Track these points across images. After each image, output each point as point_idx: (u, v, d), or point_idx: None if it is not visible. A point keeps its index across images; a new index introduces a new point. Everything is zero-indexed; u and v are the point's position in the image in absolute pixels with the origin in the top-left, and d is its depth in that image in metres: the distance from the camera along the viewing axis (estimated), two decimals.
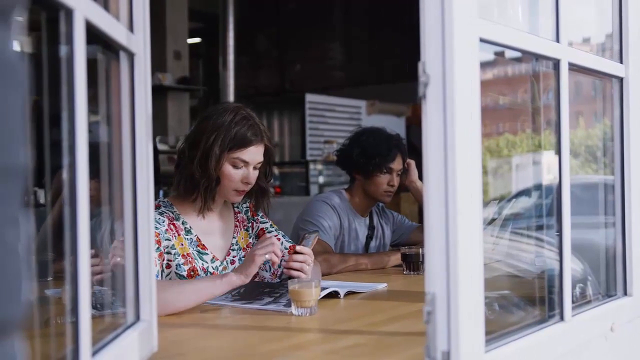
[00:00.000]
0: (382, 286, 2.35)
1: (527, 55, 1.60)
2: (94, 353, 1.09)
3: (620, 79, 1.80)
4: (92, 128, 1.09)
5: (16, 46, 0.60)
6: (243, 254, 2.35)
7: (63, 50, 1.02)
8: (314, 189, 7.36)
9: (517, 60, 1.72)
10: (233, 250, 2.34)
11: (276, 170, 7.76)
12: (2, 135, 0.56)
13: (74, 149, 1.01)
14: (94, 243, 1.08)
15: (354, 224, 3.07)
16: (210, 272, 2.23)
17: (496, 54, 1.46)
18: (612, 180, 1.88)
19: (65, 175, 1.01)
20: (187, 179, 2.21)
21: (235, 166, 2.20)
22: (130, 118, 1.36)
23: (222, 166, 2.19)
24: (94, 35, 1.12)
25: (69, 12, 1.00)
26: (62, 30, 1.01)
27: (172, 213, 2.22)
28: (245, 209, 2.43)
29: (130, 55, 1.35)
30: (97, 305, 1.36)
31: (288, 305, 1.91)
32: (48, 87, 1.04)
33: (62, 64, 1.02)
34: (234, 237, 2.36)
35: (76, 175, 1.01)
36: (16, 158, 0.57)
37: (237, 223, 2.39)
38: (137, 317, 1.37)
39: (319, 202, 3.02)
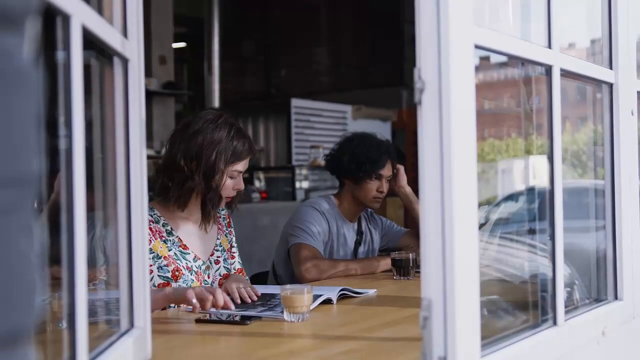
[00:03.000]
0: (372, 292, 2.35)
1: (515, 60, 1.61)
2: None
3: (610, 85, 1.82)
4: (85, 133, 1.09)
5: (29, 53, 0.59)
6: (226, 255, 2.44)
7: (60, 55, 1.01)
8: (300, 194, 7.35)
9: (503, 65, 1.73)
10: (217, 250, 2.41)
11: (262, 175, 7.74)
12: (15, 143, 0.56)
13: (70, 154, 1.00)
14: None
15: (343, 229, 3.07)
16: (195, 271, 2.29)
17: (481, 58, 1.47)
18: (598, 185, 1.90)
19: (62, 181, 1.00)
20: (187, 192, 2.26)
21: (232, 177, 2.30)
22: (124, 124, 1.35)
23: (226, 181, 2.27)
24: (89, 41, 1.11)
25: (66, 18, 0.99)
26: (59, 35, 1.00)
27: (152, 216, 2.24)
28: (223, 216, 2.50)
29: (125, 61, 1.34)
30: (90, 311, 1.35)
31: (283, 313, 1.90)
32: (44, 93, 1.03)
33: (59, 70, 1.01)
34: (217, 239, 2.43)
35: (73, 181, 1.00)
36: (29, 166, 0.57)
37: (220, 226, 2.46)
38: (131, 324, 1.36)
39: (308, 207, 3.02)
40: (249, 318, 1.88)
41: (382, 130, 7.47)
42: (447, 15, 1.15)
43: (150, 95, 7.43)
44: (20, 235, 0.56)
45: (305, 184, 7.52)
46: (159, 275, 2.20)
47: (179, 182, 2.24)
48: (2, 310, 0.54)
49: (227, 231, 2.50)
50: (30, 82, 0.58)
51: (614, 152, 1.82)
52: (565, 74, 1.59)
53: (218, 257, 2.41)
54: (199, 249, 2.34)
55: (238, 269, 2.48)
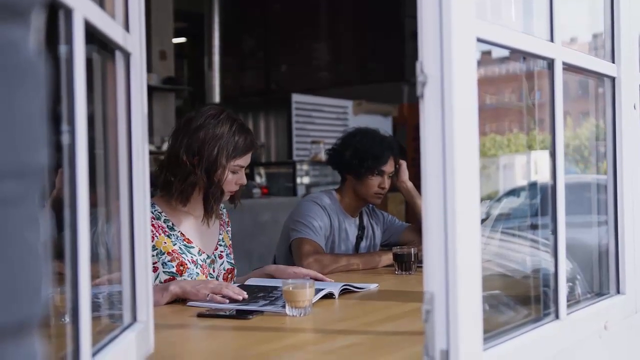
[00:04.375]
0: (374, 286, 2.35)
1: (517, 55, 1.60)
2: (94, 354, 1.08)
3: (613, 79, 1.81)
4: (87, 129, 1.09)
5: (35, 45, 0.59)
6: (228, 251, 2.46)
7: (62, 49, 1.01)
8: (301, 190, 7.35)
9: (505, 59, 1.73)
10: (220, 245, 2.43)
11: (262, 171, 7.74)
12: (22, 135, 0.56)
13: (73, 149, 1.00)
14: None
15: (344, 224, 3.07)
16: (200, 265, 2.30)
17: (483, 53, 1.46)
18: (600, 180, 1.90)
19: (65, 175, 1.00)
20: (189, 187, 2.27)
21: (233, 172, 2.31)
22: (126, 118, 1.35)
23: (227, 175, 2.28)
24: (91, 35, 1.11)
25: (69, 12, 0.99)
26: (61, 29, 1.00)
27: (152, 212, 2.25)
28: (224, 213, 2.53)
29: (127, 55, 1.34)
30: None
31: (285, 307, 1.90)
32: (47, 86, 1.03)
33: (61, 64, 1.01)
34: (220, 234, 2.45)
35: (76, 177, 1.00)
36: (36, 158, 0.57)
37: (222, 222, 2.49)
38: (134, 319, 1.36)
39: (309, 202, 3.02)
40: (251, 312, 1.88)
41: (383, 125, 7.47)
42: (450, 9, 1.15)
43: (150, 90, 7.43)
44: (27, 226, 0.56)
45: (306, 180, 7.52)
46: (164, 272, 2.21)
47: (182, 177, 2.25)
48: (9, 301, 0.55)
49: (227, 229, 2.52)
50: (36, 74, 0.58)
51: (616, 146, 1.82)
52: (568, 67, 1.58)
53: (221, 252, 2.43)
54: (203, 243, 2.36)
55: (228, 268, 2.48)
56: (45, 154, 0.60)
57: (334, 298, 2.12)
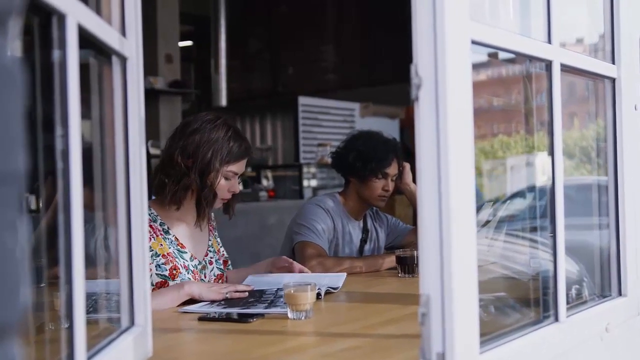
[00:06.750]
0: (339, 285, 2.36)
1: (520, 57, 1.60)
2: (89, 358, 1.09)
3: (613, 80, 1.81)
4: (84, 133, 1.09)
5: (13, 51, 0.60)
6: (217, 256, 2.48)
7: (55, 54, 1.01)
8: (307, 193, 7.35)
9: (511, 61, 1.73)
10: (210, 251, 2.46)
11: (269, 174, 7.74)
12: (1, 140, 0.56)
13: (67, 154, 1.01)
14: (87, 249, 1.07)
15: (348, 227, 3.06)
16: (192, 270, 2.33)
17: (489, 55, 1.46)
18: (602, 181, 1.89)
19: (59, 180, 1.00)
20: (182, 189, 2.29)
21: (226, 178, 2.33)
22: (123, 123, 1.36)
23: (220, 180, 2.29)
24: (86, 40, 1.12)
25: (62, 17, 0.99)
26: (55, 34, 1.00)
27: (149, 215, 2.26)
28: (213, 220, 2.56)
29: (123, 60, 1.34)
30: (90, 309, 1.35)
31: (285, 306, 1.90)
32: (40, 92, 1.03)
33: (55, 69, 1.02)
34: (209, 240, 2.48)
35: (70, 181, 1.01)
36: (15, 163, 0.58)
37: (211, 228, 2.51)
38: (132, 322, 1.37)
39: (313, 205, 3.02)
40: (252, 316, 1.88)
41: (390, 127, 7.46)
42: (443, 11, 1.15)
43: (156, 93, 7.43)
44: (5, 231, 0.56)
45: (313, 182, 7.53)
46: (157, 274, 2.22)
47: (175, 179, 2.28)
48: None
49: (215, 233, 2.55)
50: (15, 80, 0.59)
51: (616, 147, 1.81)
52: (566, 69, 1.58)
53: (211, 258, 2.46)
54: (194, 249, 2.39)
55: (218, 274, 2.48)
56: (25, 159, 0.60)
57: (320, 299, 2.13)
